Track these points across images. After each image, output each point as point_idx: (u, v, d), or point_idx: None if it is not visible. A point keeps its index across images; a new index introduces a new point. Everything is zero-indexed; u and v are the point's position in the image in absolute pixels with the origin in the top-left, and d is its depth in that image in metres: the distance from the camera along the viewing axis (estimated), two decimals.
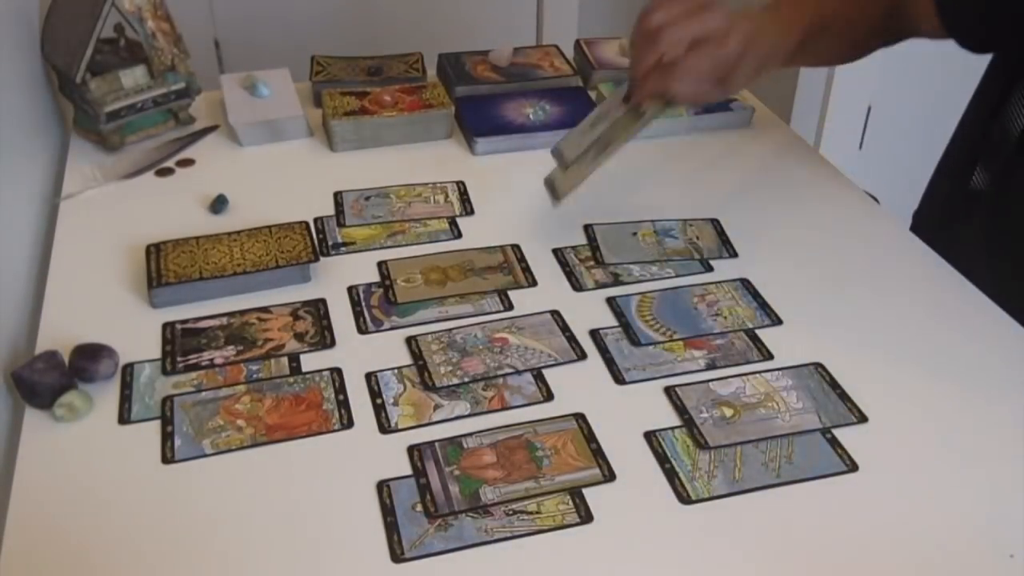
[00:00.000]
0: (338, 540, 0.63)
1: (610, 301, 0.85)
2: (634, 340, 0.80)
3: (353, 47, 1.34)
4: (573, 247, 0.92)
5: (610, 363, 0.78)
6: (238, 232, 0.89)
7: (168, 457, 0.68)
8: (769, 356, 0.79)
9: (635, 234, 0.94)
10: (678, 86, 0.84)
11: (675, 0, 0.84)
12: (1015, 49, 0.89)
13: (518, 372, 0.77)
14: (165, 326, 0.80)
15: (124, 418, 0.72)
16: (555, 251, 0.92)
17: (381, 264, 0.89)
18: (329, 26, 2.20)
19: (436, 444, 0.70)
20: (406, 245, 0.92)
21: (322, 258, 0.89)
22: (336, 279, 0.87)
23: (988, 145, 0.94)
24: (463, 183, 1.02)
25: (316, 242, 0.88)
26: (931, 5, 0.88)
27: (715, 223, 0.96)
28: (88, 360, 0.74)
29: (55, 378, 0.72)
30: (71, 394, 0.71)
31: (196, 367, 0.76)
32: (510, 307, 0.84)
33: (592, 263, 0.90)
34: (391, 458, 0.69)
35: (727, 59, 0.83)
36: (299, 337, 0.80)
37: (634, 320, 0.82)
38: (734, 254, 0.92)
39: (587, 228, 0.95)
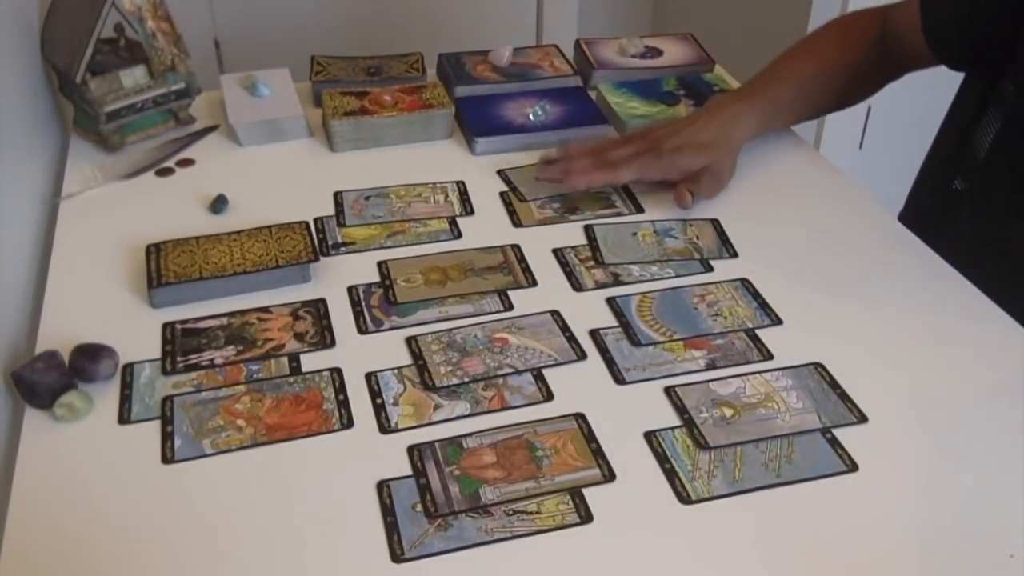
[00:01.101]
0: (338, 540, 0.63)
1: (610, 301, 0.85)
2: (634, 340, 0.80)
3: (353, 47, 1.34)
4: (573, 247, 0.92)
5: (610, 363, 0.78)
6: (238, 232, 0.89)
7: (168, 457, 0.68)
8: (769, 356, 0.79)
9: (635, 234, 0.94)
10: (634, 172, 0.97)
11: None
12: (988, 68, 0.93)
13: (518, 372, 0.77)
14: (165, 326, 0.80)
15: (124, 418, 0.72)
16: (555, 251, 0.92)
17: (381, 264, 0.89)
18: (329, 26, 2.20)
19: (436, 444, 0.70)
20: (406, 245, 0.92)
21: (322, 258, 0.89)
22: (336, 279, 0.87)
23: (966, 157, 0.96)
24: (463, 183, 1.02)
25: (316, 242, 0.88)
26: (920, 34, 0.94)
27: (715, 223, 0.96)
28: (88, 360, 0.74)
29: (55, 378, 0.72)
30: (71, 394, 0.71)
31: (196, 367, 0.76)
32: (510, 307, 0.84)
33: (592, 263, 0.90)
34: (391, 458, 0.69)
35: (663, 158, 0.96)
36: (299, 337, 0.80)
37: (634, 320, 0.82)
38: (734, 254, 0.92)
39: (587, 228, 0.95)
